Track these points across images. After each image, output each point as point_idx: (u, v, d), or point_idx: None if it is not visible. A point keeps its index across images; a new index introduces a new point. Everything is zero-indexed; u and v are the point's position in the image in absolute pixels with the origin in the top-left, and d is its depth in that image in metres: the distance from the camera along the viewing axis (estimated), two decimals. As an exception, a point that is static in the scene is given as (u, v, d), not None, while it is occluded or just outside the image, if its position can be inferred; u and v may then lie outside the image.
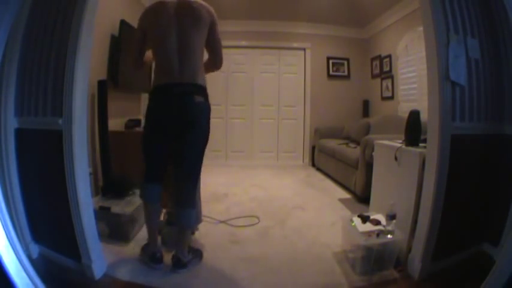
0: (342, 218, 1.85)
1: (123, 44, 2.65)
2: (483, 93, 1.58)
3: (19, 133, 1.55)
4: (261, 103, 4.65)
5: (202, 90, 1.58)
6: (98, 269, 1.52)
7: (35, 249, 1.61)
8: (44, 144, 1.53)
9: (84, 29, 1.41)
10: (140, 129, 2.71)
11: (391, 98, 3.96)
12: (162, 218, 1.98)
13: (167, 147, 1.64)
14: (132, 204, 1.99)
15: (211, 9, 1.60)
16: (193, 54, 1.53)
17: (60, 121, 1.43)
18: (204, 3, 1.58)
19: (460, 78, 1.49)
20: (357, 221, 1.72)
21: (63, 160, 1.43)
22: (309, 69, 4.67)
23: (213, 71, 1.75)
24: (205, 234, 2.07)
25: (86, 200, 1.48)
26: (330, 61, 4.70)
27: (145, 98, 3.41)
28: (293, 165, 4.64)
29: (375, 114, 4.35)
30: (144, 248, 1.74)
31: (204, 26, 1.55)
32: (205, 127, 1.60)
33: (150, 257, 1.65)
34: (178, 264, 1.59)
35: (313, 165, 4.49)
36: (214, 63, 1.70)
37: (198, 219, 2.00)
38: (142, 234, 2.04)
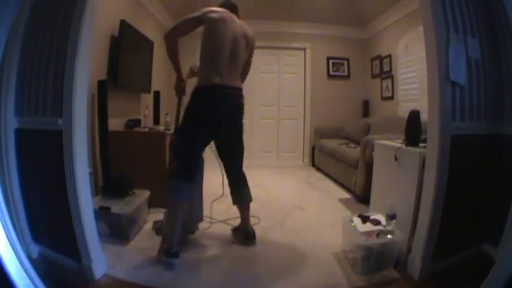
0: (342, 218, 1.85)
1: (123, 44, 2.65)
2: (483, 93, 1.58)
3: (19, 133, 1.55)
4: (261, 103, 4.65)
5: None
6: (98, 269, 1.51)
7: (35, 249, 1.61)
8: (44, 144, 1.53)
9: (84, 29, 1.41)
10: (140, 129, 2.71)
11: (391, 98, 3.96)
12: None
13: (206, 145, 1.83)
14: (132, 204, 1.99)
15: (255, 38, 1.95)
16: (239, 66, 1.84)
17: (60, 121, 1.43)
18: (253, 34, 1.93)
19: (460, 78, 1.49)
20: (357, 221, 1.72)
21: (63, 160, 1.42)
22: (309, 69, 4.68)
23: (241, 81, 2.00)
24: (205, 234, 2.07)
25: (86, 200, 1.48)
26: (330, 61, 4.70)
27: (145, 98, 3.41)
28: (293, 165, 4.64)
29: (375, 114, 4.35)
30: (163, 245, 1.74)
31: (249, 50, 1.92)
32: (242, 124, 1.92)
33: (167, 253, 1.64)
34: (253, 235, 1.93)
35: (313, 165, 4.49)
36: (245, 74, 2.02)
37: (199, 218, 2.00)
38: (142, 234, 2.04)
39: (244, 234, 1.95)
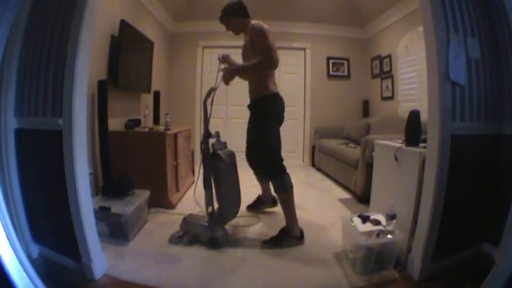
0: (342, 218, 1.85)
1: (123, 44, 2.65)
2: (483, 93, 1.58)
3: (19, 133, 1.55)
4: (261, 103, 4.64)
5: None
6: (98, 269, 1.51)
7: (35, 249, 1.61)
8: (44, 144, 1.53)
9: (84, 29, 1.41)
10: (140, 129, 2.71)
11: (391, 98, 3.96)
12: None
13: None
14: (132, 204, 1.99)
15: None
16: None
17: (60, 121, 1.43)
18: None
19: (460, 78, 1.49)
20: (357, 221, 1.72)
21: (63, 160, 1.42)
22: (309, 69, 4.67)
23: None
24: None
25: (86, 200, 1.48)
26: (330, 61, 4.70)
27: (145, 98, 3.41)
28: (293, 165, 4.61)
29: (375, 114, 4.35)
30: (288, 231, 1.94)
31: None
32: None
33: (296, 236, 1.94)
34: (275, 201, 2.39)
35: (313, 165, 4.49)
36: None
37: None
38: (142, 234, 2.04)
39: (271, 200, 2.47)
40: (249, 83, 2.18)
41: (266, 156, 2.00)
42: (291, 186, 2.02)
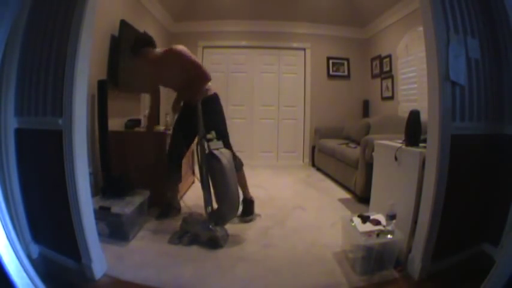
0: (342, 218, 1.85)
1: (123, 44, 2.65)
2: (483, 93, 1.58)
3: (19, 133, 1.55)
4: (261, 103, 4.65)
5: None
6: (98, 269, 1.51)
7: (35, 249, 1.61)
8: (44, 144, 1.53)
9: (84, 29, 1.41)
10: (140, 129, 2.71)
11: (391, 98, 3.96)
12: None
13: None
14: (132, 204, 1.99)
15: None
16: None
17: (60, 121, 1.43)
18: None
19: (460, 78, 1.49)
20: (357, 221, 1.72)
21: (63, 160, 1.42)
22: (309, 69, 4.67)
23: None
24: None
25: (86, 200, 1.48)
26: (330, 61, 4.70)
27: (145, 98, 3.41)
28: (293, 165, 4.64)
29: (375, 114, 4.35)
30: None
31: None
32: None
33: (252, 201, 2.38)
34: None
35: (313, 165, 4.49)
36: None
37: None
38: (142, 234, 2.04)
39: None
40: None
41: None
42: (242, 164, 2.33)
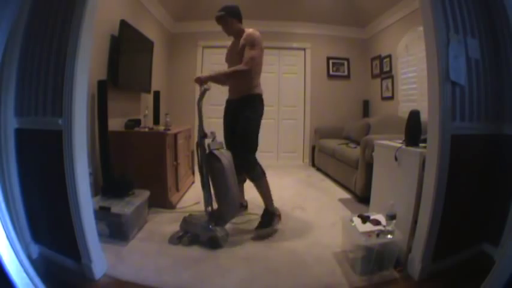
0: (342, 218, 1.85)
1: (123, 44, 2.65)
2: (483, 93, 1.58)
3: (19, 133, 1.55)
4: (261, 103, 4.64)
5: None
6: (98, 269, 1.51)
7: (35, 249, 1.61)
8: (44, 144, 1.53)
9: (84, 29, 1.41)
10: (140, 129, 2.71)
11: (391, 98, 3.96)
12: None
13: None
14: (132, 204, 1.99)
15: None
16: None
17: (60, 121, 1.43)
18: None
19: (460, 78, 1.49)
20: (357, 221, 1.72)
21: (63, 160, 1.42)
22: (309, 69, 4.67)
23: None
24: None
25: (86, 200, 1.48)
26: (330, 61, 4.70)
27: (145, 98, 3.41)
28: (293, 165, 4.64)
29: (375, 114, 4.35)
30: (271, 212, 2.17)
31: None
32: None
33: (278, 215, 2.22)
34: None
35: (313, 165, 4.49)
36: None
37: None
38: (142, 234, 2.04)
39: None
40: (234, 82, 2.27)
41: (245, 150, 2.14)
42: (264, 173, 2.24)
